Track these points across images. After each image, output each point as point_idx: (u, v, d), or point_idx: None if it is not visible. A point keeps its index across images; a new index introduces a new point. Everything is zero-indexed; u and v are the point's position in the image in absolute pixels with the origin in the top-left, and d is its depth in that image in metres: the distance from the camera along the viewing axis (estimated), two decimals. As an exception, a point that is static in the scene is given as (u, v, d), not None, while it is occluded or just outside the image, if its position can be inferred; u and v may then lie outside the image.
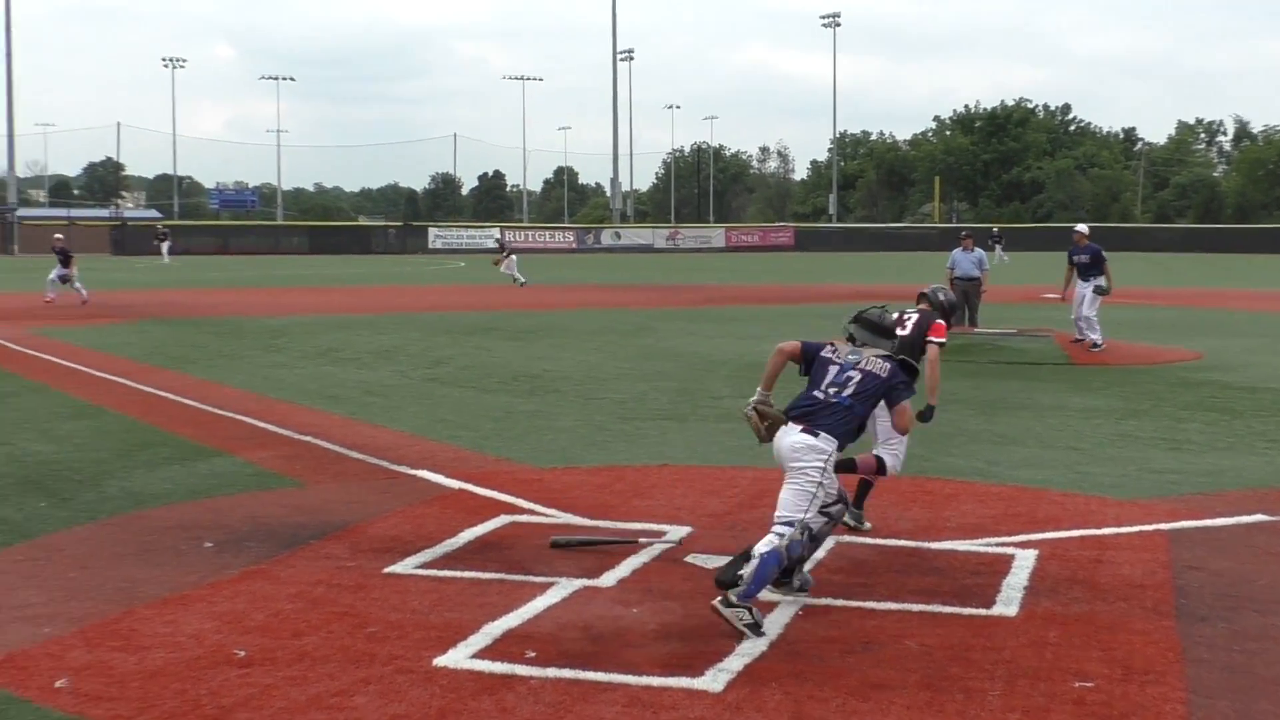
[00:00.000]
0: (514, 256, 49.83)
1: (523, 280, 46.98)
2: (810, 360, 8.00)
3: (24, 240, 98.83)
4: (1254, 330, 27.56)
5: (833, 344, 8.11)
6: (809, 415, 7.65)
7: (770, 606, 7.50)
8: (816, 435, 7.55)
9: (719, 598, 7.11)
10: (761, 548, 7.25)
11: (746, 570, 7.15)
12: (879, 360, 7.92)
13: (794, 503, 7.46)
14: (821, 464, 7.51)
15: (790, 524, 7.38)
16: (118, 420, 14.74)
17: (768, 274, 62.19)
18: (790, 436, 7.60)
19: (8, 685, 6.28)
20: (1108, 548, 9.01)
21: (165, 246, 78.90)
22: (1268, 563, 8.68)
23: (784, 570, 7.49)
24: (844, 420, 7.65)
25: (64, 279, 35.34)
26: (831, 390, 7.78)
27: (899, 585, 8.03)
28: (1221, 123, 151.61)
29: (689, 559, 8.52)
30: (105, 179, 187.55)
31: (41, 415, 15.04)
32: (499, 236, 50.68)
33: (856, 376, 7.83)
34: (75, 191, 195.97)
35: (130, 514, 9.96)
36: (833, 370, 7.89)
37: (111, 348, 23.20)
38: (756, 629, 6.99)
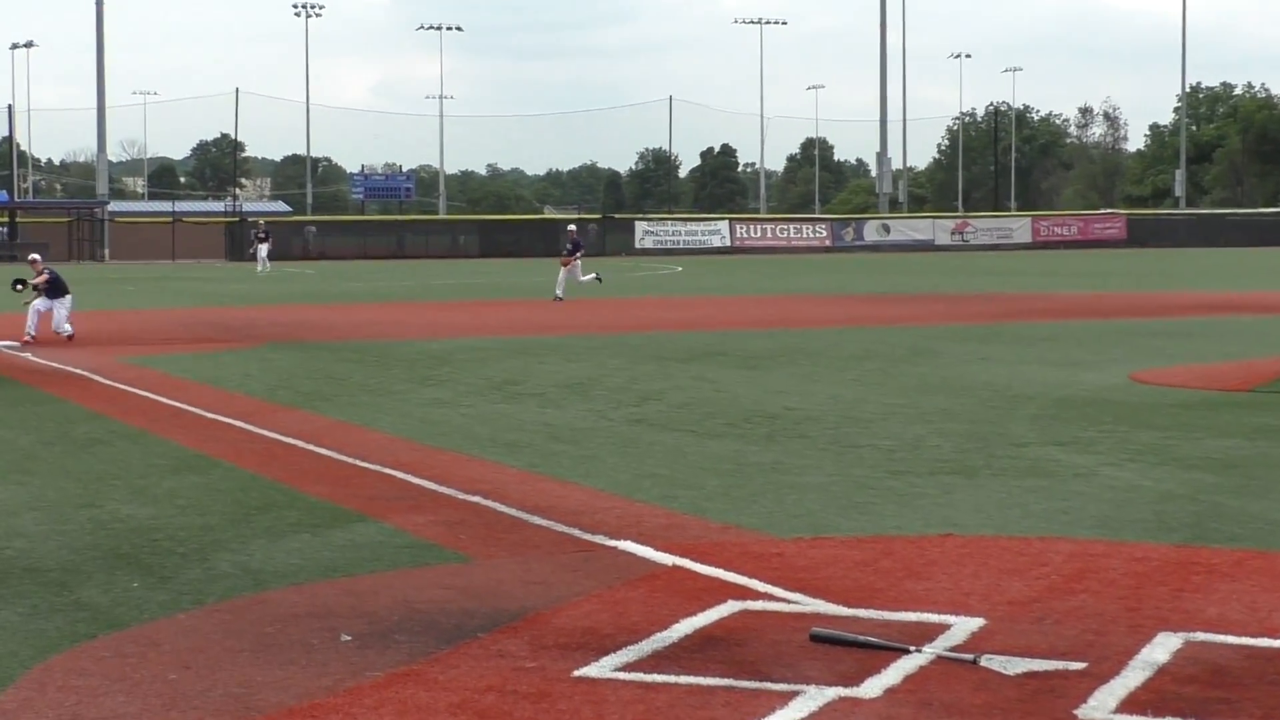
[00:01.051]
0: (579, 260, 48.72)
1: (560, 295, 46.45)
2: None
3: (117, 242, 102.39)
4: None
5: None
6: None
7: (1094, 728, 7.36)
8: None
9: None
10: None
11: None
12: None
13: None
14: None
15: None
16: (231, 475, 15.11)
17: (1090, 278, 61.26)
18: None
19: (89, 817, 6.45)
20: None
21: (263, 250, 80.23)
22: None
23: None
24: None
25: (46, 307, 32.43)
26: None
27: (1277, 702, 7.81)
28: None
29: (982, 662, 8.40)
30: (219, 162, 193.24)
31: (136, 468, 15.49)
32: (572, 228, 49.39)
33: None
34: (182, 179, 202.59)
35: (247, 597, 10.16)
36: None
37: (225, 381, 23.81)
38: None
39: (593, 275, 48.43)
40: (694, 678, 8.16)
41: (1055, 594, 9.94)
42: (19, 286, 33.17)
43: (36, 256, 34.39)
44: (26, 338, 31.50)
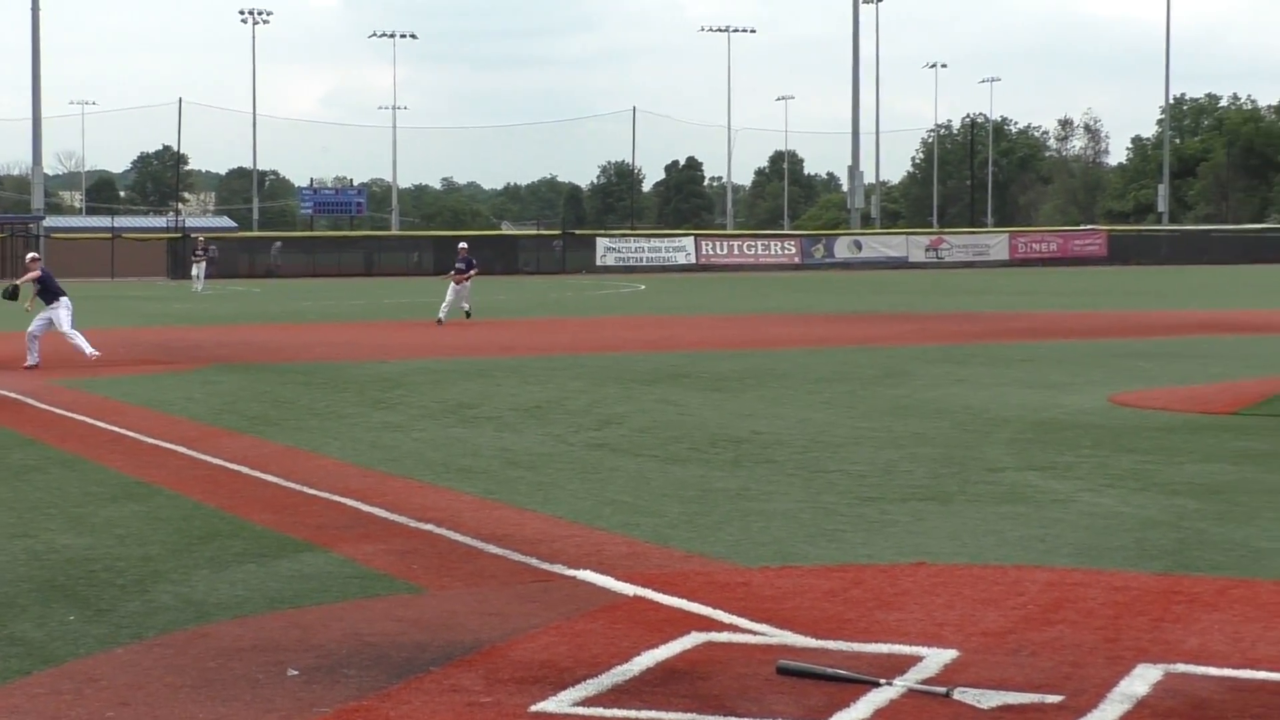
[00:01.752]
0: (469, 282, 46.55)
1: (442, 317, 44.93)
2: None
3: (53, 259, 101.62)
4: None
5: None
6: None
7: (1070, 764, 7.38)
8: None
9: None
10: None
11: None
12: None
13: None
14: None
15: None
16: (173, 503, 15.07)
17: (1069, 297, 61.46)
18: None
19: None
20: None
21: (199, 269, 79.49)
22: None
23: None
24: None
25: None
26: None
27: (1258, 737, 7.84)
28: None
29: (955, 695, 8.42)
30: (161, 175, 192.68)
31: (72, 496, 15.44)
32: (463, 245, 46.63)
33: None
34: (122, 193, 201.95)
35: (188, 630, 10.14)
36: None
37: (167, 405, 23.75)
38: None
39: (468, 307, 46.20)
40: (656, 712, 8.16)
41: (1031, 625, 9.97)
42: (12, 294, 32.11)
43: (36, 255, 33.22)
44: (27, 364, 30.02)
